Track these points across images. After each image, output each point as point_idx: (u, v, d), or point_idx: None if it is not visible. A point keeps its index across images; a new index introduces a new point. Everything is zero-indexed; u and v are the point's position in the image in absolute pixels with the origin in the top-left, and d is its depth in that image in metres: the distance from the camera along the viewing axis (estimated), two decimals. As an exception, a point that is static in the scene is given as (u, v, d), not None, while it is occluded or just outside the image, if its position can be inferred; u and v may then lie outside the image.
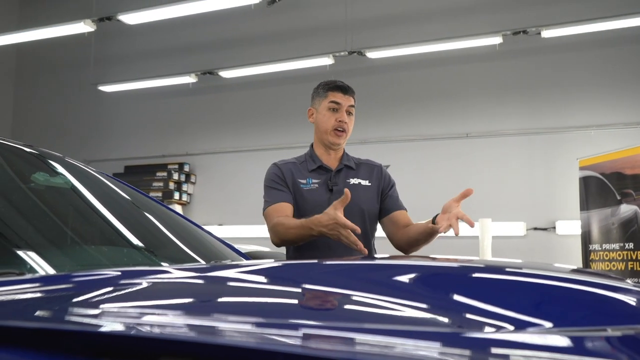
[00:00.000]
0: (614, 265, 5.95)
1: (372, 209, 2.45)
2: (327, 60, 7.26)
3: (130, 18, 6.71)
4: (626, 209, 5.86)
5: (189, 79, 8.31)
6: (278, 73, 8.05)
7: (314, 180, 2.43)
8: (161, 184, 8.85)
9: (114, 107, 9.70)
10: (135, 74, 8.94)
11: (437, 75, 7.80)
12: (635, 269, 5.73)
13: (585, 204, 6.35)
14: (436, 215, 2.23)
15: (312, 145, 2.55)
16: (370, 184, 2.46)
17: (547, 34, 6.55)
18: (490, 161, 7.41)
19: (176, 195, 8.84)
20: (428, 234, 2.28)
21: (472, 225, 2.08)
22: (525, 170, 7.25)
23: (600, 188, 6.20)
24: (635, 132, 6.66)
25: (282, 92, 8.59)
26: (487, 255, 5.71)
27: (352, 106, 2.46)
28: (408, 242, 2.39)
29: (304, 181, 2.43)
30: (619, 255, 5.89)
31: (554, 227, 7.03)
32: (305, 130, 8.25)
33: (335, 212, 2.04)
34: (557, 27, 6.48)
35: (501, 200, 7.24)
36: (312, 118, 2.53)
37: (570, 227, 6.74)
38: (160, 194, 8.80)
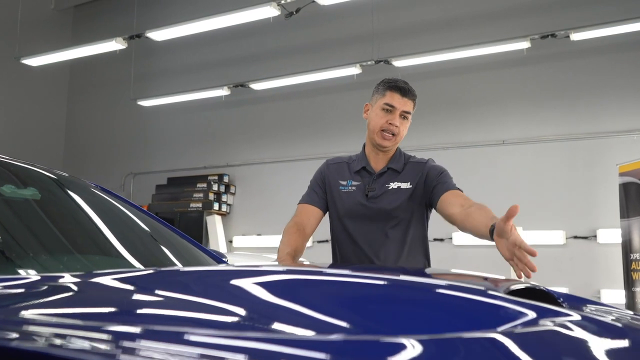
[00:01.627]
0: (655, 276, 5.68)
1: (412, 215, 2.35)
2: (354, 70, 7.28)
3: (158, 35, 6.99)
4: (667, 217, 5.61)
5: (222, 92, 8.52)
6: (308, 84, 8.15)
7: (353, 182, 2.40)
8: (201, 195, 9.05)
9: (155, 121, 10.01)
10: (170, 89, 9.22)
11: (468, 82, 7.69)
12: (677, 279, 5.46)
13: (626, 211, 6.10)
14: (493, 225, 1.88)
15: (364, 145, 2.48)
16: (411, 186, 2.34)
17: (576, 36, 6.37)
18: (527, 168, 7.23)
19: (216, 206, 9.01)
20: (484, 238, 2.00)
21: (534, 255, 1.70)
22: (564, 176, 7.03)
23: (640, 195, 5.95)
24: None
25: (313, 103, 8.67)
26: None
27: (408, 112, 2.35)
28: (466, 228, 2.12)
29: (344, 182, 2.42)
30: (661, 264, 5.63)
31: (595, 236, 6.78)
32: (337, 138, 8.33)
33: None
34: (587, 30, 6.29)
35: (539, 208, 7.04)
36: (366, 114, 2.43)
37: (611, 235, 6.49)
38: (200, 205, 9.00)
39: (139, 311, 0.90)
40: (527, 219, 6.83)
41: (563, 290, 6.77)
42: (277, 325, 0.79)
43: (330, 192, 2.43)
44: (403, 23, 8.08)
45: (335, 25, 8.49)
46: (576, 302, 1.29)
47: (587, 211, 6.86)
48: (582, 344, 0.84)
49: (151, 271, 1.15)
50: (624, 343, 0.89)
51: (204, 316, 0.83)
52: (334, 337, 0.73)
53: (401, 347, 0.69)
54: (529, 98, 7.36)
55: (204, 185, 9.10)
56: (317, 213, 2.42)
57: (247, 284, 1.00)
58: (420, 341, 0.70)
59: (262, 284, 0.99)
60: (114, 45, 7.10)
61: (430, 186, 2.32)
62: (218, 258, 2.25)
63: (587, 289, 6.72)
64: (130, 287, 1.01)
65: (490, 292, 0.97)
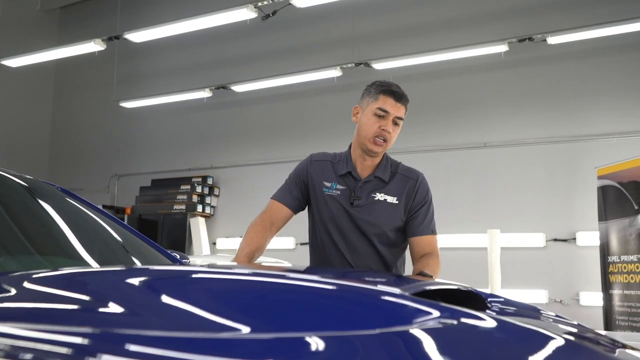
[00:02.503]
0: (632, 278, 5.72)
1: (395, 229, 2.32)
2: (334, 73, 7.30)
3: (136, 37, 7.03)
4: (643, 219, 5.64)
5: (204, 94, 8.53)
6: (289, 86, 8.17)
7: (338, 186, 2.33)
8: (185, 196, 9.03)
9: (139, 123, 10.00)
10: (154, 91, 9.22)
11: (449, 85, 7.73)
12: (653, 281, 5.49)
13: (604, 214, 6.14)
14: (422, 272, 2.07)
15: (350, 146, 2.39)
16: (397, 202, 2.29)
17: (553, 40, 6.41)
18: (508, 171, 7.26)
19: (199, 208, 8.99)
20: None
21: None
22: (544, 179, 7.07)
23: (618, 197, 5.99)
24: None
25: (295, 105, 8.69)
26: (496, 267, 5.57)
27: (401, 118, 2.28)
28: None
29: (328, 184, 2.34)
30: (637, 267, 5.66)
31: (574, 238, 6.82)
32: (320, 140, 8.33)
33: None
34: (563, 34, 6.33)
35: (520, 210, 7.08)
36: (356, 117, 2.33)
37: (590, 238, 6.52)
38: (183, 207, 8.98)
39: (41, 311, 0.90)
40: (507, 221, 6.87)
41: (543, 292, 6.81)
42: (169, 323, 0.79)
43: (314, 191, 2.38)
44: (383, 26, 8.11)
45: (316, 28, 8.52)
46: (503, 304, 1.30)
47: (566, 214, 6.89)
48: (479, 343, 0.85)
49: (66, 271, 1.15)
50: (523, 344, 0.89)
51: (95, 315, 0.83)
52: (230, 334, 0.74)
53: (285, 343, 0.70)
54: (509, 101, 7.40)
55: (188, 187, 9.09)
56: (287, 213, 2.39)
57: (158, 284, 1.00)
58: (309, 338, 0.71)
59: (173, 284, 1.00)
60: (93, 46, 7.10)
61: (411, 211, 2.30)
62: (173, 258, 2.24)
63: (566, 292, 6.76)
64: (39, 287, 1.01)
65: (395, 293, 0.98)
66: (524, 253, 6.93)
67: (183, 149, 9.64)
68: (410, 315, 0.87)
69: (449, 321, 0.86)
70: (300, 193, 2.40)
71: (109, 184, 10.21)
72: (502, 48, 6.58)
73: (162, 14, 8.22)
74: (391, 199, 2.29)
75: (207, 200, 9.19)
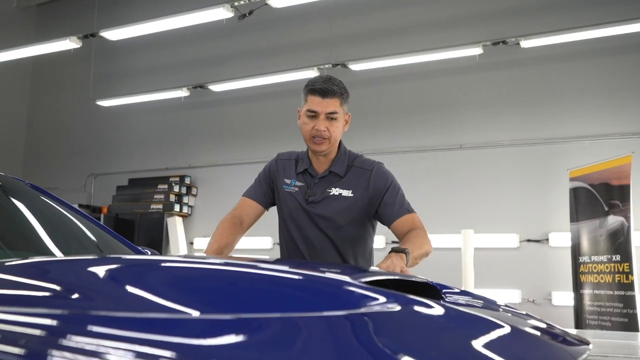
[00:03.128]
0: (602, 278, 5.83)
1: (353, 222, 2.30)
2: (311, 73, 7.33)
3: (112, 35, 7.00)
4: (613, 221, 5.76)
5: (181, 93, 8.50)
6: (267, 86, 8.19)
7: (297, 183, 2.36)
8: (162, 196, 8.99)
9: (116, 121, 9.92)
10: (131, 89, 9.18)
11: (426, 87, 7.79)
12: (622, 281, 5.61)
13: (575, 216, 6.26)
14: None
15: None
16: (352, 195, 2.28)
17: (526, 44, 6.52)
18: (484, 172, 7.34)
19: (177, 208, 8.95)
20: None
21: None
22: (518, 181, 7.16)
23: (589, 199, 6.11)
24: (626, 142, 6.53)
25: (272, 106, 8.69)
26: (470, 267, 5.64)
27: (334, 112, 2.22)
28: None
29: (288, 181, 2.38)
30: (607, 267, 5.78)
31: (547, 239, 6.92)
32: (296, 141, 8.34)
33: None
34: (536, 37, 6.44)
35: (494, 211, 7.16)
36: (299, 121, 2.35)
37: (562, 239, 6.63)
38: (161, 206, 8.94)
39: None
40: (482, 222, 6.95)
41: (516, 292, 6.90)
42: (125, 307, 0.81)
43: (277, 189, 2.42)
44: (360, 27, 8.16)
45: (294, 29, 8.54)
46: (457, 295, 1.34)
47: (539, 215, 6.99)
48: (424, 328, 0.88)
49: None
50: (467, 329, 0.93)
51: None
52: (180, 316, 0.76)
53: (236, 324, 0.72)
54: (484, 104, 7.49)
55: (165, 186, 9.05)
56: (257, 209, 2.42)
57: (117, 271, 1.02)
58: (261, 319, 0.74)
59: (129, 271, 1.01)
60: (69, 44, 7.05)
61: (376, 201, 2.28)
62: (140, 252, 2.25)
63: (539, 292, 6.86)
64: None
65: (345, 281, 1.01)
66: (497, 253, 7.01)
67: (160, 148, 9.60)
68: (357, 301, 0.90)
69: (395, 306, 0.89)
70: (269, 189, 2.44)
71: (85, 183, 10.12)
72: (477, 51, 6.68)
73: (139, 12, 8.19)
74: (346, 193, 2.29)
75: (185, 199, 9.15)
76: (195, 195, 9.31)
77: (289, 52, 8.48)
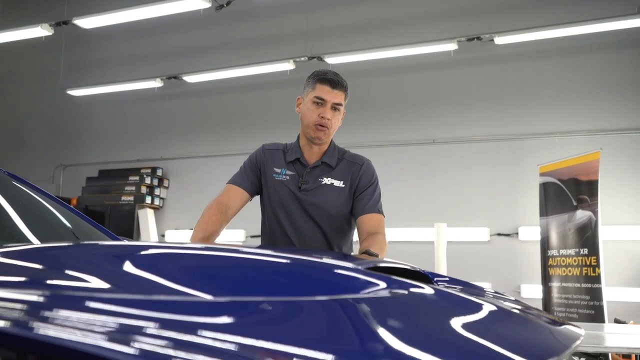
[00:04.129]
0: (570, 271, 5.97)
1: (342, 213, 2.37)
2: (288, 66, 7.33)
3: (86, 23, 6.85)
4: (581, 215, 5.89)
5: (155, 84, 8.39)
6: (242, 78, 8.15)
7: (288, 172, 2.39)
8: (133, 188, 8.89)
9: (87, 111, 9.77)
10: (103, 79, 9.04)
11: (400, 82, 7.87)
12: (589, 274, 5.74)
13: (545, 210, 6.38)
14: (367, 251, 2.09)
15: (298, 136, 2.46)
16: (343, 186, 2.36)
17: (500, 40, 6.62)
18: (456, 167, 7.45)
19: (148, 200, 8.87)
20: None
21: None
22: (490, 176, 7.28)
23: (558, 194, 6.24)
24: (595, 138, 6.69)
25: (247, 98, 8.67)
26: (442, 260, 5.72)
27: (339, 104, 2.32)
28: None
29: (278, 170, 2.40)
30: (575, 260, 5.91)
31: (517, 233, 7.05)
32: (271, 134, 8.32)
33: None
34: (509, 34, 6.55)
35: (466, 205, 7.28)
36: (299, 108, 2.41)
37: (532, 232, 6.77)
38: (132, 198, 8.84)
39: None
40: (454, 216, 7.06)
41: (486, 285, 7.01)
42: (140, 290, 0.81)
43: (265, 178, 2.42)
44: (337, 21, 8.18)
45: (270, 21, 8.52)
46: (449, 282, 1.37)
47: (510, 209, 7.12)
48: (426, 312, 0.90)
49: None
50: (467, 312, 0.96)
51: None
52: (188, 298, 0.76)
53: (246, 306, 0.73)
54: (457, 99, 7.58)
55: (137, 178, 8.95)
56: (243, 195, 2.41)
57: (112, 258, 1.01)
58: (270, 302, 0.74)
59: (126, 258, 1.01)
60: (40, 31, 6.89)
61: (357, 193, 2.37)
62: (117, 239, 2.23)
63: (508, 284, 6.99)
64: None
65: (352, 267, 1.02)
66: (468, 247, 7.13)
67: (132, 139, 9.48)
68: (361, 285, 0.92)
69: (399, 291, 0.91)
70: (255, 177, 2.45)
71: (53, 174, 9.95)
72: (452, 46, 6.75)
73: (113, 0, 8.06)
74: (338, 183, 2.36)
75: (157, 191, 9.07)
76: (167, 188, 9.23)
77: (265, 44, 8.45)
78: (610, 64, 6.94)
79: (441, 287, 1.10)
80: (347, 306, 0.79)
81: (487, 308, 1.00)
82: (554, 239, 6.22)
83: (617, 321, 5.67)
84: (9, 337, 0.64)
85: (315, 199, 2.35)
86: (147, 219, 8.82)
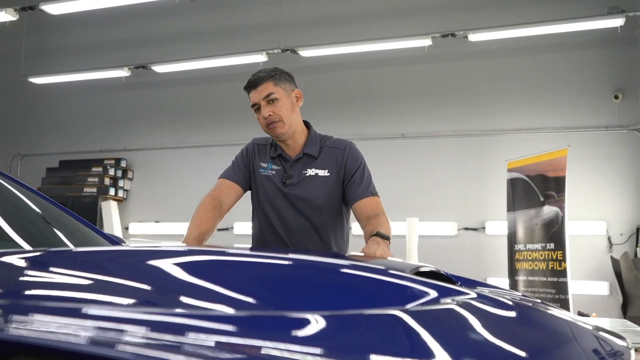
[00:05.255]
0: (536, 265, 6.11)
1: (331, 203, 2.32)
2: (260, 58, 7.24)
3: (53, 8, 6.61)
4: (548, 210, 6.03)
5: (122, 73, 8.16)
6: (213, 69, 8.02)
7: (273, 166, 2.35)
8: (96, 179, 8.68)
9: (48, 100, 9.48)
10: (67, 67, 8.76)
11: (372, 76, 7.89)
12: (555, 268, 5.89)
13: (512, 205, 6.51)
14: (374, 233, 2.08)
15: None
16: (329, 174, 2.31)
17: (474, 37, 6.69)
18: (424, 162, 7.52)
19: (112, 191, 8.67)
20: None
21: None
22: (458, 171, 7.38)
23: (525, 190, 6.36)
24: (563, 135, 6.85)
25: (217, 89, 8.55)
26: (414, 254, 5.77)
27: (269, 94, 2.25)
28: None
29: (264, 165, 2.37)
30: (541, 255, 6.05)
31: (484, 228, 7.18)
32: (241, 127, 8.23)
33: None
34: (483, 32, 6.63)
35: (435, 200, 7.36)
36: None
37: (498, 227, 6.90)
38: (94, 190, 8.63)
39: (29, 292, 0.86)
40: (423, 210, 7.12)
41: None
42: (180, 302, 0.78)
43: (253, 172, 2.39)
44: (311, 14, 8.13)
45: (243, 12, 8.40)
46: (470, 284, 1.37)
47: (477, 204, 7.24)
48: (484, 320, 0.89)
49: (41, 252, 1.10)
50: (519, 318, 0.96)
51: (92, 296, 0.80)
52: (240, 313, 0.73)
53: (307, 323, 0.70)
54: (428, 94, 7.65)
55: (100, 169, 8.73)
56: (237, 189, 2.37)
57: (151, 264, 0.97)
58: (328, 317, 0.72)
59: (164, 264, 0.97)
60: (4, 16, 6.62)
61: (346, 179, 2.31)
62: (114, 241, 2.16)
63: (475, 278, 7.03)
64: (20, 267, 0.95)
65: (399, 272, 1.01)
66: (437, 241, 7.21)
67: (96, 129, 9.24)
68: (422, 294, 0.90)
69: (461, 299, 0.90)
70: (247, 171, 2.41)
71: (10, 164, 9.61)
72: (426, 42, 6.78)
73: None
74: (322, 172, 2.32)
75: (120, 183, 8.87)
76: (131, 179, 9.04)
77: (237, 35, 8.32)
78: (578, 63, 7.11)
79: (492, 294, 1.10)
80: (419, 317, 0.78)
81: (549, 316, 1.01)
82: (520, 233, 6.36)
83: (580, 314, 5.83)
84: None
85: (301, 192, 2.31)
86: (110, 211, 8.62)
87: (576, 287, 6.17)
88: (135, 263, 0.98)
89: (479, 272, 7.12)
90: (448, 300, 0.88)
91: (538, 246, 6.11)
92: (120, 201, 8.87)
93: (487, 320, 0.87)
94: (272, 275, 0.94)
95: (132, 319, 0.69)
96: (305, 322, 0.70)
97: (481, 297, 0.96)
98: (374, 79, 7.88)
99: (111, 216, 8.60)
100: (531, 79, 7.26)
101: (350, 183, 2.30)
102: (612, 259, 6.36)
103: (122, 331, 0.67)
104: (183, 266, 0.92)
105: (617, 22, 6.23)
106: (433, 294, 0.90)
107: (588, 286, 6.61)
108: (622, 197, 6.72)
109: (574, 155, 5.99)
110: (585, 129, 6.93)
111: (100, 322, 0.69)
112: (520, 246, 6.34)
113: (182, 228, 8.66)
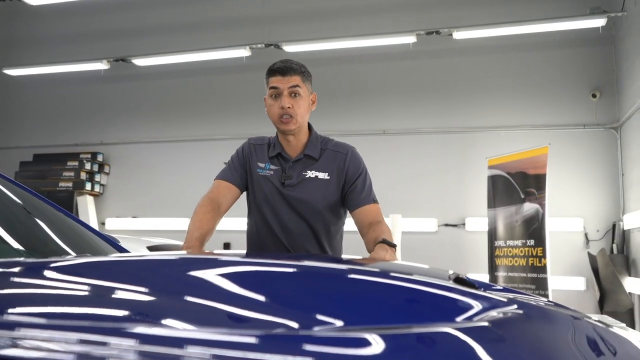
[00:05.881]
0: (516, 261, 6.19)
1: (330, 206, 2.30)
2: (243, 52, 7.18)
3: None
4: (529, 207, 6.11)
5: (101, 66, 8.01)
6: (194, 63, 7.92)
7: (271, 167, 2.31)
8: (72, 173, 8.51)
9: (23, 92, 9.26)
10: (44, 59, 8.57)
11: (355, 72, 7.88)
12: (535, 264, 5.98)
13: (493, 202, 6.58)
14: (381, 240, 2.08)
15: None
16: (329, 178, 2.28)
17: (458, 35, 6.73)
18: (406, 158, 7.54)
19: (88, 186, 8.52)
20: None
21: None
22: (439, 167, 7.43)
23: (506, 187, 6.44)
24: (542, 133, 6.94)
25: (199, 83, 8.45)
26: (397, 251, 5.79)
27: (296, 86, 2.24)
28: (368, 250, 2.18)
29: (262, 165, 2.32)
30: (521, 251, 6.14)
31: (464, 224, 7.24)
32: (223, 122, 8.18)
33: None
34: (468, 30, 6.67)
35: (416, 196, 7.39)
36: (266, 107, 2.32)
37: (478, 223, 6.96)
38: (70, 184, 8.47)
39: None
40: (404, 206, 7.14)
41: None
42: (212, 317, 0.76)
43: (250, 173, 2.35)
44: (294, 8, 8.08)
45: (226, 5, 8.31)
46: (492, 289, 1.37)
47: (457, 201, 7.30)
48: (538, 331, 0.88)
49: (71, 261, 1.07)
50: (565, 324, 0.96)
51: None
52: (283, 331, 0.71)
53: (368, 342, 0.68)
54: (410, 91, 7.67)
55: (75, 163, 8.56)
56: (234, 190, 2.33)
57: (191, 275, 0.95)
58: (386, 335, 0.69)
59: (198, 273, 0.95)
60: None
61: (347, 185, 2.29)
62: (113, 243, 2.12)
63: (455, 274, 7.17)
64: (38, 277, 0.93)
65: (441, 282, 1.00)
66: (418, 237, 7.25)
67: (71, 122, 9.05)
68: (472, 307, 0.89)
69: (508, 309, 0.89)
70: (244, 172, 2.37)
71: (-19, 158, 9.38)
72: (411, 39, 6.80)
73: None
74: (322, 175, 2.29)
75: (97, 178, 8.72)
76: (107, 174, 8.89)
77: (219, 29, 8.23)
78: (559, 62, 7.20)
79: (532, 301, 1.10)
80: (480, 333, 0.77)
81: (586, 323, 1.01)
82: (501, 230, 6.44)
83: (559, 309, 5.94)
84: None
85: (300, 194, 2.28)
86: (86, 206, 8.47)
87: (554, 282, 6.27)
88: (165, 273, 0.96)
89: (459, 268, 7.15)
90: (498, 313, 0.87)
91: (518, 242, 6.19)
92: (96, 196, 8.73)
93: (544, 332, 0.86)
94: (318, 289, 0.91)
95: (167, 336, 0.68)
96: (367, 342, 0.68)
97: (526, 307, 0.96)
98: (357, 75, 7.88)
99: (87, 211, 8.45)
100: (512, 77, 7.33)
101: (351, 189, 2.29)
102: (589, 255, 6.48)
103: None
104: (238, 280, 0.90)
105: (600, 22, 6.33)
106: (481, 305, 0.89)
107: (565, 282, 6.72)
108: (599, 194, 6.84)
109: (552, 152, 6.07)
110: (564, 127, 7.04)
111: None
112: (500, 242, 6.42)
113: (159, 223, 8.61)
